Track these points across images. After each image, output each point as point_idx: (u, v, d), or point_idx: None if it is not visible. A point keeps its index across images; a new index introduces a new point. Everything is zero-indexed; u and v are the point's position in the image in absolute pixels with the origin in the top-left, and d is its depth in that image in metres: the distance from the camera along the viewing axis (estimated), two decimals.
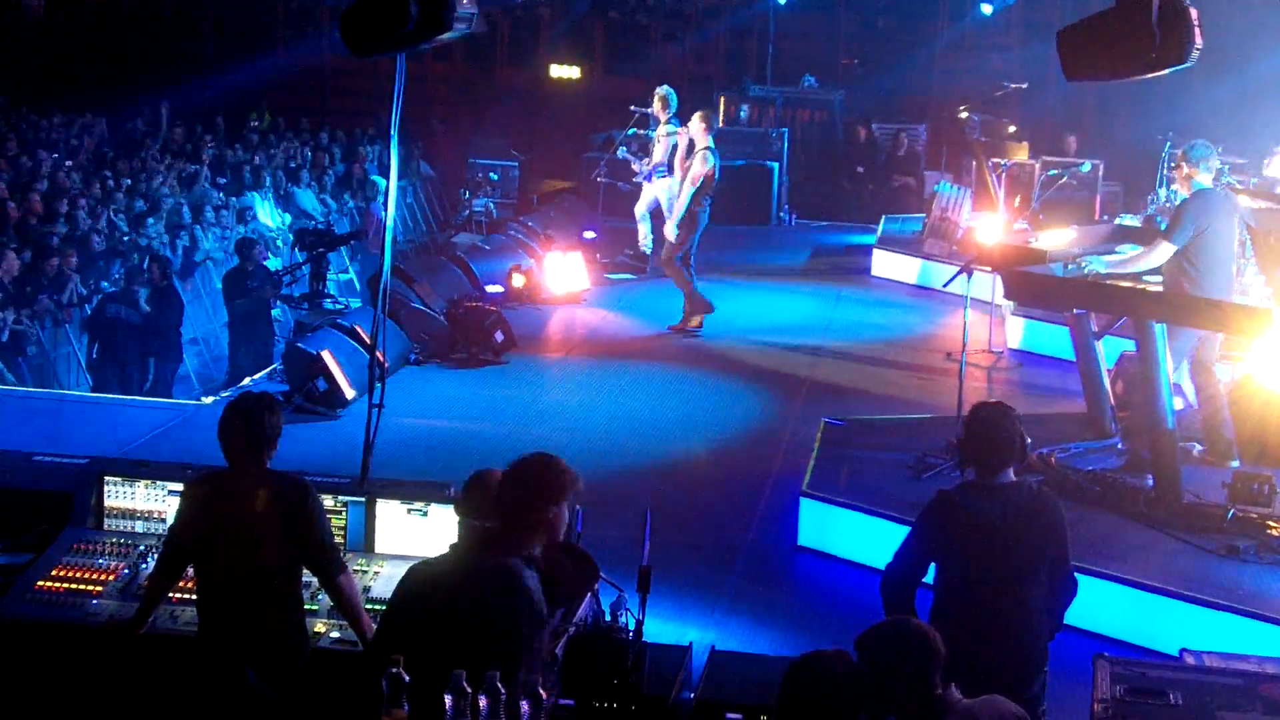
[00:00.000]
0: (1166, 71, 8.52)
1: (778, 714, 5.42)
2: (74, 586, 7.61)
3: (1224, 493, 10.57)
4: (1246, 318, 10.49)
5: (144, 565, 7.71)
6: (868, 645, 5.61)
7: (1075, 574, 7.07)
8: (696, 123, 17.06)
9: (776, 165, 25.19)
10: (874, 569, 9.32)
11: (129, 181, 21.90)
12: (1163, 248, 11.02)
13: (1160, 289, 11.33)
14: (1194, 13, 8.46)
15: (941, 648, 5.55)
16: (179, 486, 7.71)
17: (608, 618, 7.05)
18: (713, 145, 16.94)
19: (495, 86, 31.07)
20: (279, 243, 20.87)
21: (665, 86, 19.07)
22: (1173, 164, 11.61)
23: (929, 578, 6.95)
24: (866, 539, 10.48)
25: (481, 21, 8.73)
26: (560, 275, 18.67)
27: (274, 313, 17.06)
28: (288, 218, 22.41)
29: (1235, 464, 11.25)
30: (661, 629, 7.55)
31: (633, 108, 20.21)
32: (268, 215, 22.13)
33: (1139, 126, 20.61)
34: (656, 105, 18.94)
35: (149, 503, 8.15)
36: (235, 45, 31.28)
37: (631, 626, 7.04)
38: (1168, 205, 15.77)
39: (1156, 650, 8.99)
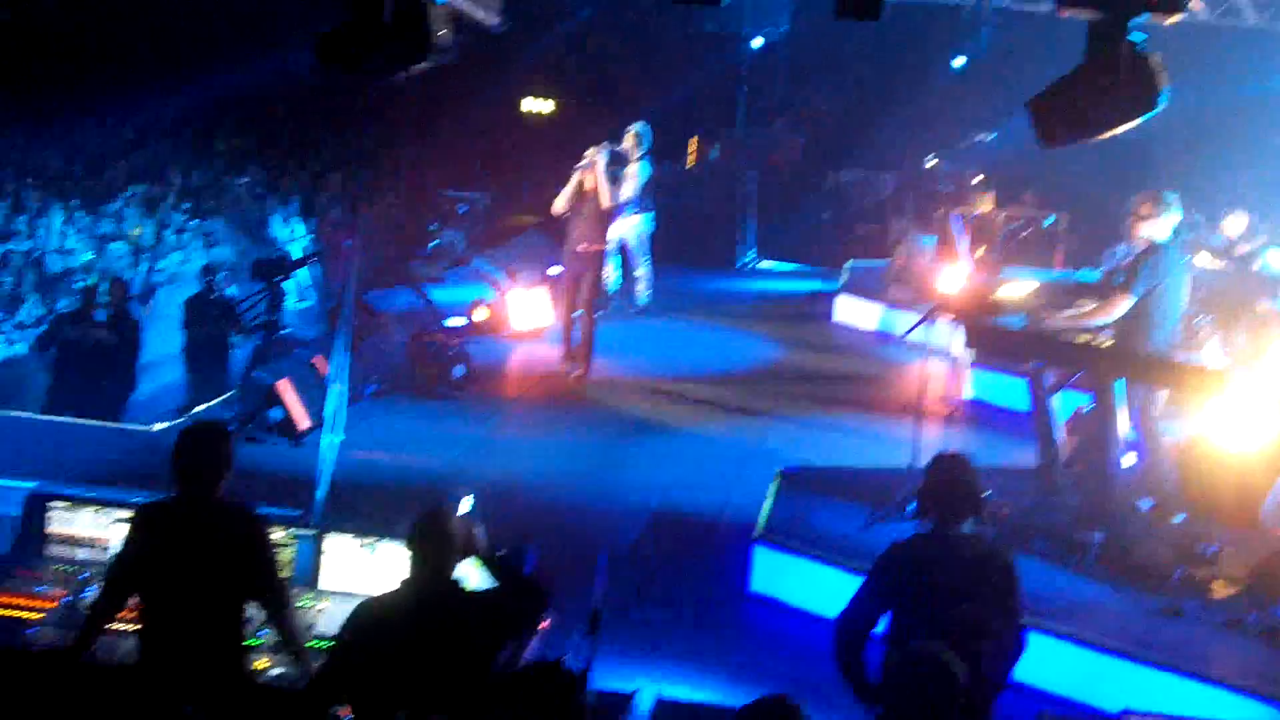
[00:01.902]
0: (1140, 120, 8.58)
1: None
2: (13, 614, 7.54)
3: (1172, 551, 10.61)
4: (1202, 378, 10.56)
5: (85, 594, 7.64)
6: (891, 669, 5.64)
7: (1024, 630, 7.08)
8: (628, 139, 17.39)
9: (744, 208, 25.23)
10: (826, 618, 9.31)
11: (84, 202, 21.77)
12: (1121, 302, 11.05)
13: (1112, 342, 11.37)
14: (1157, 57, 8.54)
15: (954, 691, 5.55)
16: (126, 514, 7.65)
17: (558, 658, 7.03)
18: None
19: (467, 118, 31.02)
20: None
21: (640, 124, 19.08)
22: (1130, 215, 11.60)
23: (881, 628, 6.94)
24: (819, 587, 10.46)
25: (456, 52, 8.75)
26: (524, 310, 18.64)
27: (233, 340, 16.93)
28: (247, 243, 22.29)
29: (1180, 518, 11.29)
30: (609, 675, 7.52)
31: (603, 144, 20.24)
32: (232, 240, 22.03)
33: (1102, 181, 20.73)
34: (629, 142, 18.94)
35: (94, 530, 8.09)
36: (204, 65, 31.16)
37: (580, 670, 7.02)
38: (1127, 261, 15.83)
39: (1100, 709, 8.99)
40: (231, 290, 16.72)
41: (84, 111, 27.16)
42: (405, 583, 6.37)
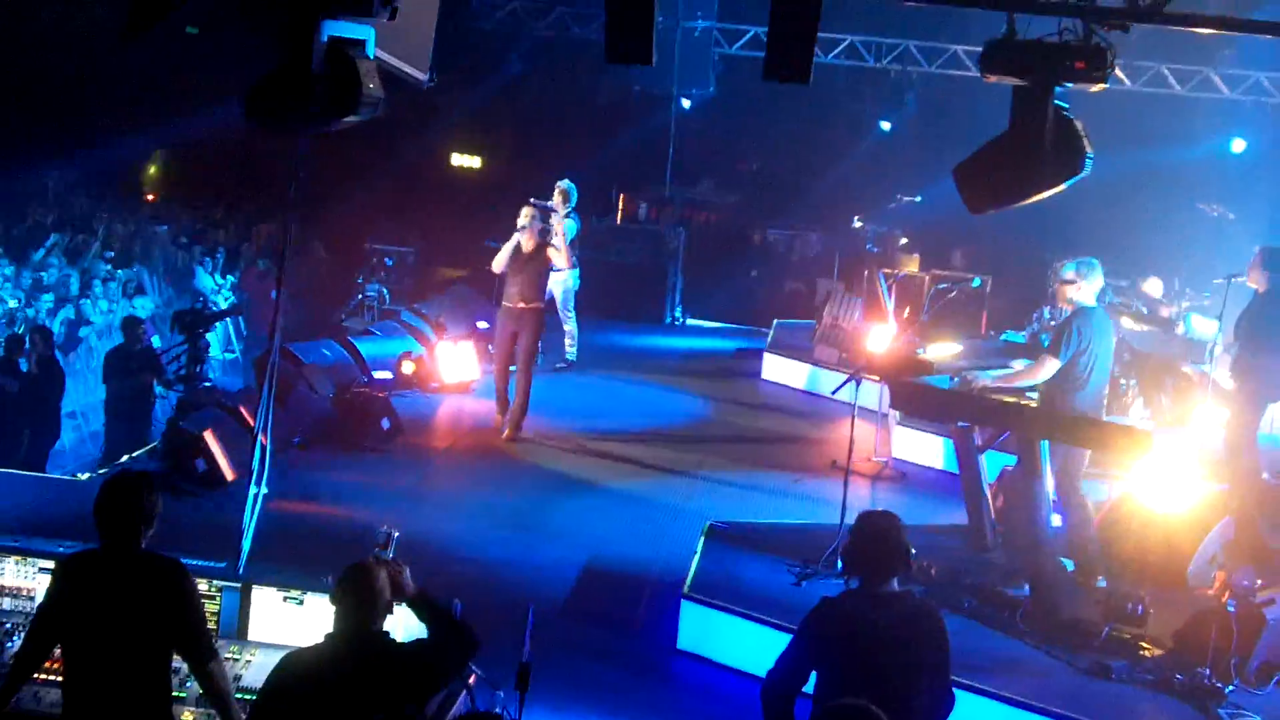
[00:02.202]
0: (1066, 185, 8.67)
1: None
2: None
3: (1099, 610, 10.65)
4: (1128, 439, 10.62)
5: (10, 644, 7.55)
6: None
7: (953, 688, 7.08)
8: (556, 195, 17.96)
9: (671, 265, 25.30)
10: (754, 675, 9.29)
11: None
12: (1048, 364, 11.14)
13: (1037, 403, 11.45)
14: (1080, 124, 8.64)
15: None
16: (50, 564, 7.56)
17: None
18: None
19: (395, 172, 30.99)
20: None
21: (566, 180, 19.12)
22: (1055, 279, 11.73)
23: (809, 686, 6.92)
24: (747, 644, 10.45)
25: (385, 106, 8.74)
26: (451, 364, 18.59)
27: (158, 391, 16.77)
28: (172, 293, 22.18)
29: (1102, 583, 11.35)
30: None
31: (531, 200, 20.25)
32: (157, 290, 21.91)
33: (1027, 244, 20.95)
34: (557, 198, 18.99)
35: (18, 579, 8.00)
36: (130, 116, 31.01)
37: None
38: (1052, 323, 15.97)
39: None
40: (155, 341, 16.58)
41: (7, 161, 26.98)
42: (330, 635, 6.33)
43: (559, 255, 16.52)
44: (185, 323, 15.16)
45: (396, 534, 6.79)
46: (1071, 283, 11.34)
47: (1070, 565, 11.50)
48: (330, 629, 6.36)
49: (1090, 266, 11.37)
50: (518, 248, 16.08)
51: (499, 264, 16.18)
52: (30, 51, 28.62)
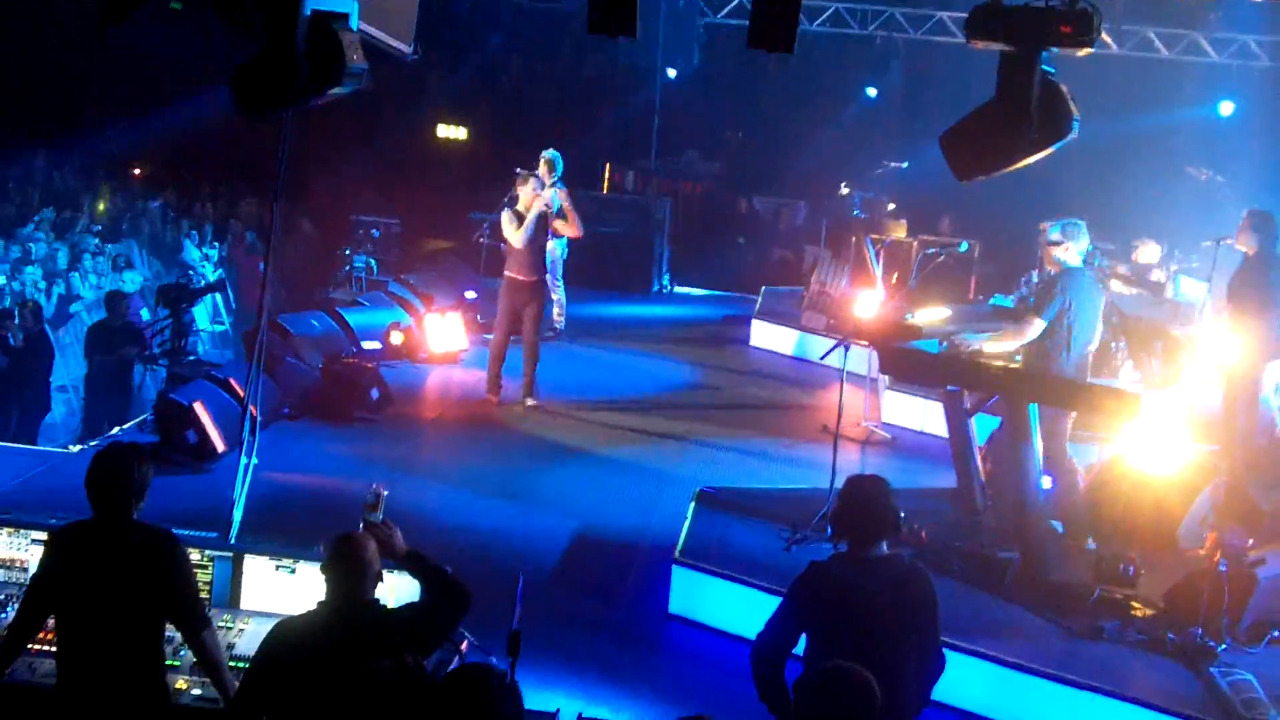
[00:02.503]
0: (1053, 149, 8.67)
1: None
2: None
3: (1090, 572, 10.69)
4: (1117, 401, 10.64)
5: (2, 615, 7.58)
6: (803, 688, 5.63)
7: (944, 650, 7.11)
8: (542, 166, 17.86)
9: (658, 235, 25.30)
10: (744, 639, 9.32)
11: None
12: (1034, 324, 11.14)
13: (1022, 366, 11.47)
14: (1065, 88, 8.65)
15: (877, 702, 5.55)
16: (42, 536, 7.58)
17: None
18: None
19: (380, 144, 30.94)
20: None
21: (551, 150, 19.10)
22: (1041, 241, 11.73)
23: (799, 648, 6.94)
24: (737, 608, 10.49)
25: (369, 79, 8.73)
26: (439, 335, 18.59)
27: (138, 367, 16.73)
28: (160, 267, 22.13)
29: (1091, 545, 11.39)
30: (530, 696, 7.47)
31: (517, 169, 20.23)
32: (145, 264, 21.87)
33: (1015, 209, 20.94)
34: (542, 168, 18.97)
35: (10, 551, 8.03)
36: (117, 97, 30.95)
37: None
38: (1039, 286, 15.99)
39: None
40: (144, 315, 16.55)
41: None
42: (321, 604, 6.35)
43: (569, 227, 16.42)
44: (169, 298, 15.14)
45: (385, 493, 6.81)
46: (1057, 244, 11.35)
47: (1060, 528, 11.55)
48: (321, 597, 6.39)
49: (1076, 228, 11.38)
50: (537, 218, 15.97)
51: (522, 237, 16.03)
52: (10, 35, 28.57)
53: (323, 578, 6.39)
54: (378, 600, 6.47)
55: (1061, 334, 11.14)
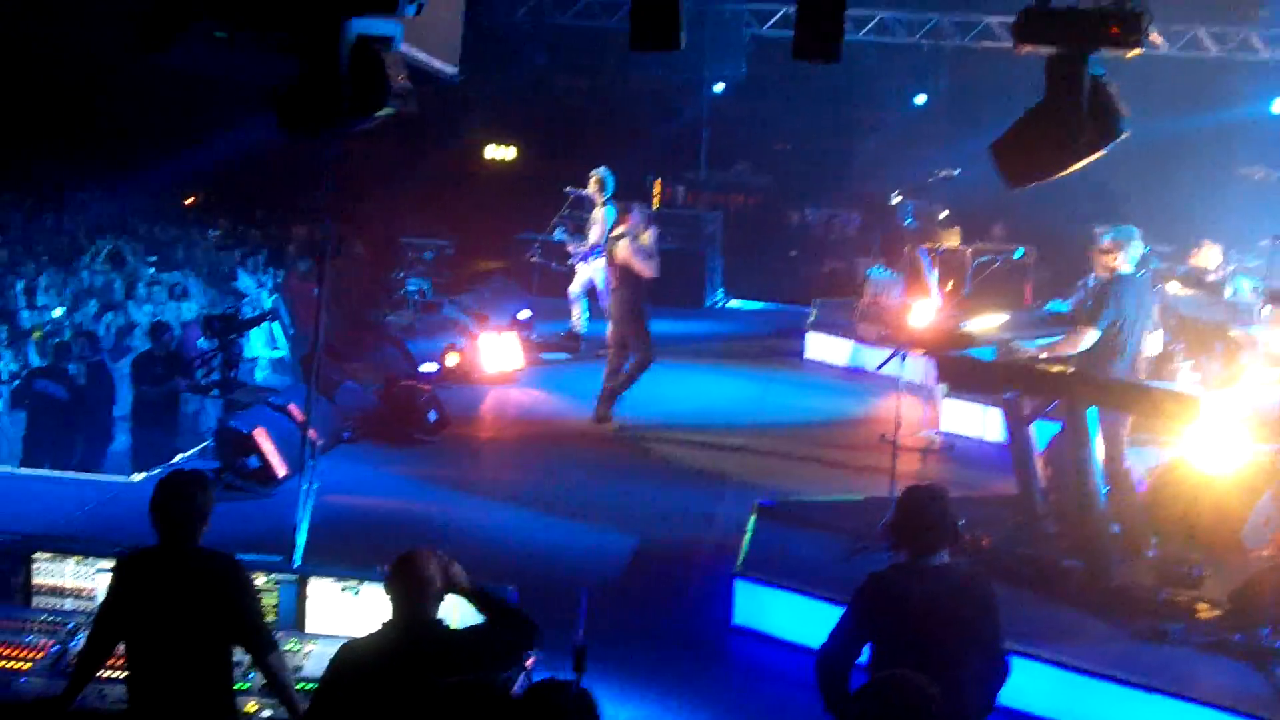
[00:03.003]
0: (1104, 151, 8.65)
1: None
2: (2, 664, 7.52)
3: (1153, 575, 10.64)
4: (1177, 404, 10.58)
5: (73, 643, 7.64)
6: (863, 696, 5.62)
7: (1007, 656, 7.09)
8: (592, 184, 18.42)
9: (710, 248, 25.31)
10: (809, 649, 9.31)
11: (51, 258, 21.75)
12: (1087, 334, 11.12)
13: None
14: (1115, 88, 8.62)
15: (937, 710, 5.53)
16: (109, 564, 7.64)
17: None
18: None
19: (429, 166, 31.07)
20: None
21: (603, 168, 19.19)
22: (1093, 247, 11.67)
23: (865, 658, 6.94)
24: (801, 619, 10.47)
25: (414, 101, 8.77)
26: (494, 355, 18.66)
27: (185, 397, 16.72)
28: (215, 295, 22.25)
29: (1152, 545, 11.34)
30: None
31: (567, 189, 20.33)
32: (200, 293, 22.00)
33: (1069, 213, 20.85)
34: (593, 187, 19.10)
35: (78, 580, 8.10)
36: (167, 127, 31.19)
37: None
38: (1092, 294, 15.92)
39: None
40: (201, 343, 16.63)
41: (52, 171, 27.19)
42: (386, 624, 6.38)
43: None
44: (215, 329, 15.22)
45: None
46: (1109, 252, 11.30)
47: (1118, 531, 11.49)
48: (386, 618, 6.42)
49: (1128, 235, 11.34)
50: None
51: (654, 267, 16.26)
52: (60, 65, 28.84)
53: (386, 598, 6.43)
54: (441, 620, 6.49)
55: (1115, 342, 11.11)
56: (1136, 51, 8.82)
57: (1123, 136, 8.82)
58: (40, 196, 26.03)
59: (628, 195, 22.03)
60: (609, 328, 16.46)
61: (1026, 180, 9.20)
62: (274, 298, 22.58)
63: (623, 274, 16.11)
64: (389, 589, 6.40)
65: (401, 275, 23.18)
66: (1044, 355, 11.53)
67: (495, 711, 5.97)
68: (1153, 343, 12.04)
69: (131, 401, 16.40)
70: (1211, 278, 17.12)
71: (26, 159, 27.58)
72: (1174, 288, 15.98)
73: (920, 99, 29.33)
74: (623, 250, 16.03)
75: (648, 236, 16.31)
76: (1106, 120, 8.81)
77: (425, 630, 6.35)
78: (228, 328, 14.91)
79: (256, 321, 17.33)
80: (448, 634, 6.47)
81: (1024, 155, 9.13)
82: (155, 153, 29.75)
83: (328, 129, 8.69)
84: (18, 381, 16.66)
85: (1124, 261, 11.28)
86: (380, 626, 6.40)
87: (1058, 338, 11.81)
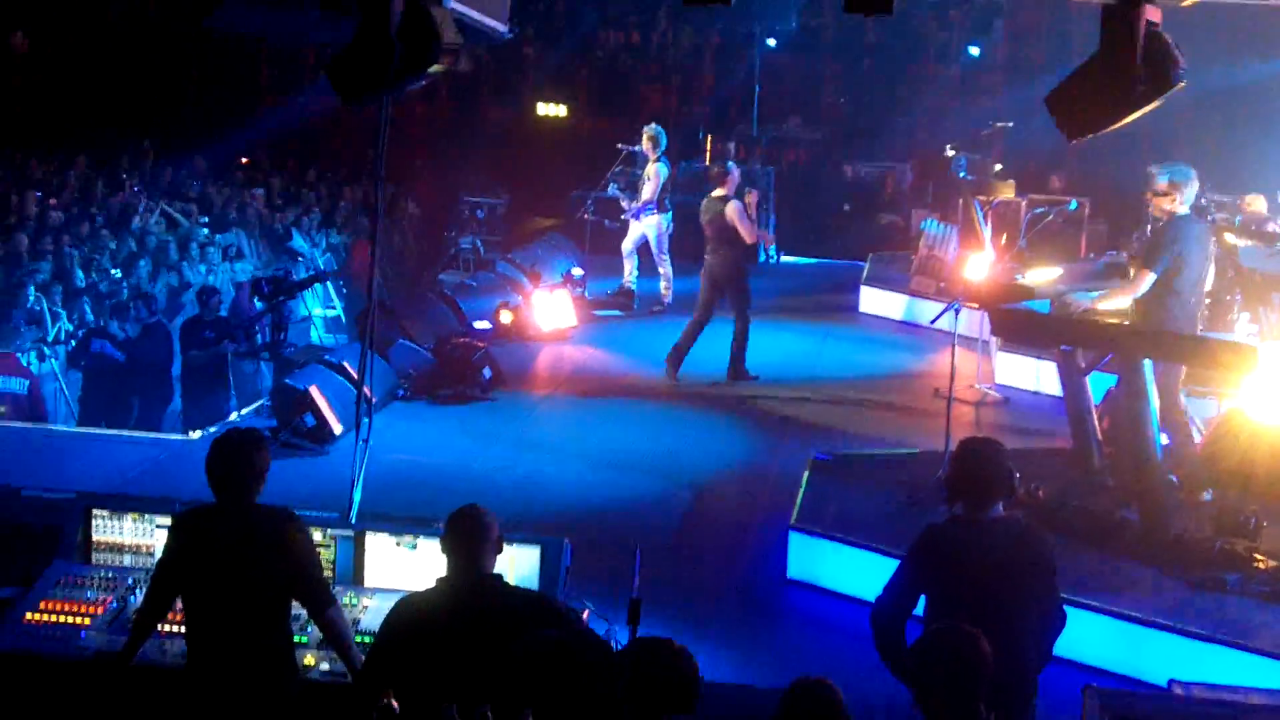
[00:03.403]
0: (1160, 102, 8.56)
1: None
2: (62, 620, 7.62)
3: (1210, 525, 10.58)
4: (1234, 355, 10.50)
5: (132, 598, 7.72)
6: (917, 650, 5.64)
7: (1064, 607, 7.08)
8: (645, 141, 18.61)
9: (763, 203, 25.21)
10: (863, 601, 9.31)
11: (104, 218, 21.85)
12: (1144, 278, 11.03)
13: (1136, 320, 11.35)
14: (1169, 37, 8.54)
15: (988, 662, 5.54)
16: (167, 520, 7.71)
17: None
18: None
19: (481, 125, 31.09)
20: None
21: (654, 125, 19.20)
22: (1148, 188, 11.53)
23: (919, 610, 6.94)
24: (855, 572, 10.48)
25: (466, 60, 8.77)
26: (548, 312, 18.69)
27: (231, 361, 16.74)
28: (270, 255, 22.32)
29: (1208, 496, 11.27)
30: None
31: (619, 145, 20.32)
32: (255, 253, 22.07)
33: (1124, 165, 20.69)
34: (646, 144, 19.11)
35: (137, 537, 8.16)
36: (219, 88, 31.34)
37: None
38: (1148, 238, 15.82)
39: (1145, 681, 9.01)
40: (258, 304, 16.67)
41: (104, 132, 27.34)
42: (443, 579, 6.40)
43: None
44: (265, 291, 15.26)
45: None
46: (1165, 193, 11.19)
47: (1175, 481, 11.44)
48: (442, 573, 6.44)
49: (1184, 175, 11.21)
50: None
51: (755, 230, 16.50)
52: (115, 30, 29.03)
53: (444, 552, 6.44)
54: (500, 575, 6.51)
55: (1173, 284, 11.01)
56: (1191, 0, 8.73)
57: (1178, 87, 8.73)
58: (95, 158, 26.15)
59: (679, 151, 22.06)
60: (702, 285, 16.59)
61: (1083, 132, 9.11)
62: (327, 257, 22.67)
63: (727, 234, 16.21)
64: (447, 542, 6.41)
65: (455, 233, 23.23)
66: (1101, 304, 11.46)
67: (596, 661, 5.94)
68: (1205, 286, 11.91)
69: (180, 366, 16.46)
70: (1271, 227, 16.98)
71: (81, 121, 27.72)
72: (1230, 238, 15.85)
73: (974, 50, 29.13)
74: (730, 211, 16.11)
75: (751, 197, 16.50)
76: (1162, 70, 8.71)
77: (481, 583, 6.36)
78: (277, 290, 14.96)
79: (307, 284, 17.29)
80: (505, 588, 6.49)
81: (1080, 107, 9.04)
82: (209, 115, 29.92)
83: (381, 93, 8.69)
84: (74, 342, 16.74)
85: (1181, 202, 11.17)
86: (437, 581, 6.42)
87: (1114, 287, 11.74)
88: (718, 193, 16.32)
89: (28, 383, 15.51)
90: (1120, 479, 11.44)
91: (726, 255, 16.28)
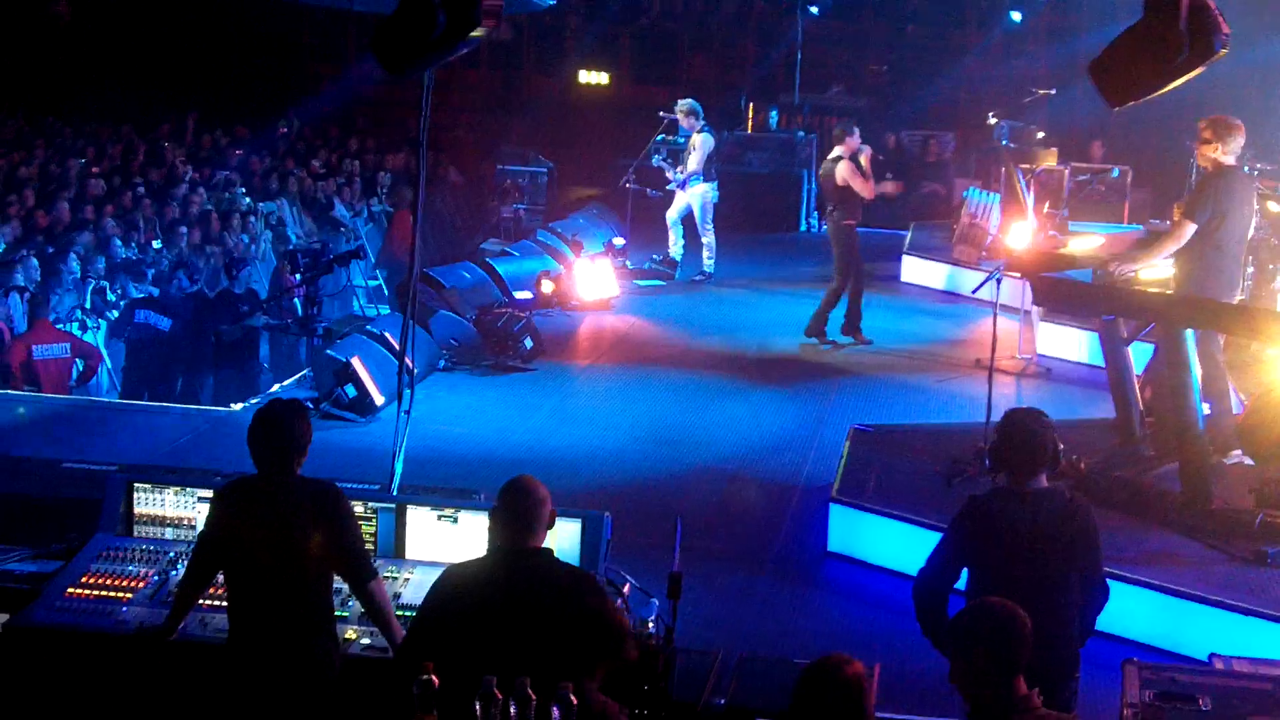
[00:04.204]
0: (1203, 68, 8.49)
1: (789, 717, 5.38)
2: (104, 594, 7.61)
3: (1252, 498, 10.53)
4: (1276, 324, 10.46)
5: (174, 572, 7.72)
6: (957, 624, 5.64)
7: (1107, 580, 7.06)
8: (682, 114, 19.02)
9: (805, 172, 25.16)
10: (904, 574, 9.33)
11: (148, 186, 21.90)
12: (1185, 228, 10.90)
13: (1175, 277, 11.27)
14: (1213, 2, 8.46)
15: (1027, 636, 5.53)
16: (209, 493, 7.71)
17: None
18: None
19: (522, 94, 31.07)
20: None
21: (688, 99, 19.26)
22: (1195, 140, 11.39)
23: (961, 583, 6.94)
24: (896, 545, 10.48)
25: (508, 28, 8.76)
26: (589, 282, 18.68)
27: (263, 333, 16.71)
28: (312, 225, 22.33)
29: (1236, 455, 11.19)
30: (689, 636, 7.55)
31: (661, 113, 20.27)
32: (297, 222, 22.09)
33: (1166, 132, 20.58)
34: (682, 119, 19.17)
35: (178, 510, 8.18)
36: (261, 57, 31.39)
37: (661, 632, 7.07)
38: (1193, 189, 15.70)
39: (1186, 655, 8.94)
40: (297, 277, 16.68)
41: (147, 101, 27.41)
42: (490, 550, 6.38)
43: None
44: (300, 265, 15.25)
45: None
46: (1209, 142, 11.04)
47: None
48: (490, 545, 6.41)
49: (1228, 126, 11.06)
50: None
51: (872, 188, 16.79)
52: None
53: (494, 522, 6.37)
54: (549, 549, 6.44)
55: (1214, 238, 10.88)
56: None
57: (1221, 54, 8.66)
58: (137, 127, 26.22)
59: (720, 119, 21.97)
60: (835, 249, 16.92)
61: (1125, 99, 9.04)
62: (369, 227, 22.68)
63: (842, 195, 16.43)
64: (498, 513, 6.34)
65: (496, 202, 23.22)
66: (1142, 259, 11.39)
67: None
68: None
69: (212, 340, 16.44)
70: None
71: (123, 90, 27.79)
72: (1274, 207, 15.73)
73: (1016, 16, 28.94)
74: (843, 171, 16.32)
75: (866, 158, 16.70)
76: (1205, 36, 8.63)
77: (529, 557, 6.29)
78: (313, 265, 14.94)
79: (344, 260, 17.15)
80: (555, 563, 6.44)
81: (1122, 75, 8.97)
82: (252, 84, 29.98)
83: (426, 63, 8.68)
84: (116, 313, 16.77)
85: (1226, 152, 11.01)
86: (487, 551, 6.39)
87: (1155, 241, 11.63)
88: (835, 153, 16.59)
89: (68, 345, 15.53)
90: (1161, 450, 11.39)
91: (836, 215, 16.68)
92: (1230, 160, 11.04)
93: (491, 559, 6.31)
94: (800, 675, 5.32)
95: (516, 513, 6.26)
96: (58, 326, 15.60)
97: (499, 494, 6.34)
